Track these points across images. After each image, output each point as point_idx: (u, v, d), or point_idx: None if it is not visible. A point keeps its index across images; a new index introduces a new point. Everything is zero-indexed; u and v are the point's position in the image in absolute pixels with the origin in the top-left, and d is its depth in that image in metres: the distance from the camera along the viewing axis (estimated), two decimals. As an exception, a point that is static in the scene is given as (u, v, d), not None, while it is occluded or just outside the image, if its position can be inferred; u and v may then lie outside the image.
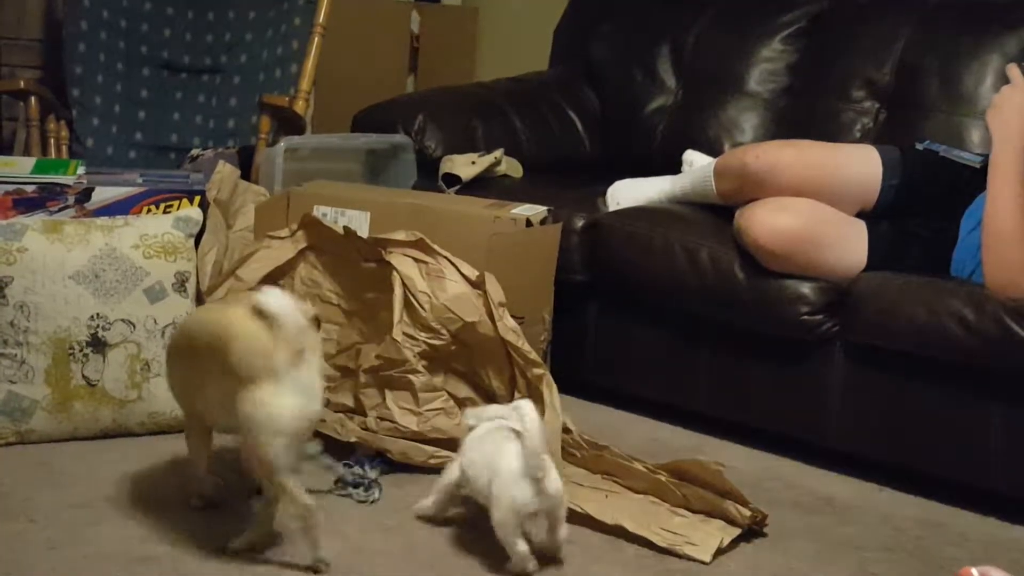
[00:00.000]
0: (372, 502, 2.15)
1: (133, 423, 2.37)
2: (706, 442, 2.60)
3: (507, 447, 1.88)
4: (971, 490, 2.31)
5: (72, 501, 2.07)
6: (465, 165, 3.03)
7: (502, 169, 3.11)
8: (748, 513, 2.10)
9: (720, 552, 2.03)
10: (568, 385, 2.49)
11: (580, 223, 2.80)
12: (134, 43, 3.56)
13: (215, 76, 3.60)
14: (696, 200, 2.75)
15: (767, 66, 3.22)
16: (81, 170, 2.78)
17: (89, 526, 1.98)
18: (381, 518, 2.10)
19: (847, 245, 2.46)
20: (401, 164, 3.15)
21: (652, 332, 2.74)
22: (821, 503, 2.32)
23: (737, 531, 2.08)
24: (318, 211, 2.59)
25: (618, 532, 2.07)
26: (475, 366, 2.35)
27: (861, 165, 2.55)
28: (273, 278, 2.47)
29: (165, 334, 2.37)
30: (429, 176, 3.07)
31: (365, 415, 2.33)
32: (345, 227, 2.44)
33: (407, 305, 2.32)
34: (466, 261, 2.36)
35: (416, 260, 2.36)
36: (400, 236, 2.39)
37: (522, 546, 1.86)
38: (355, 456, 2.27)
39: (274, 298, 1.80)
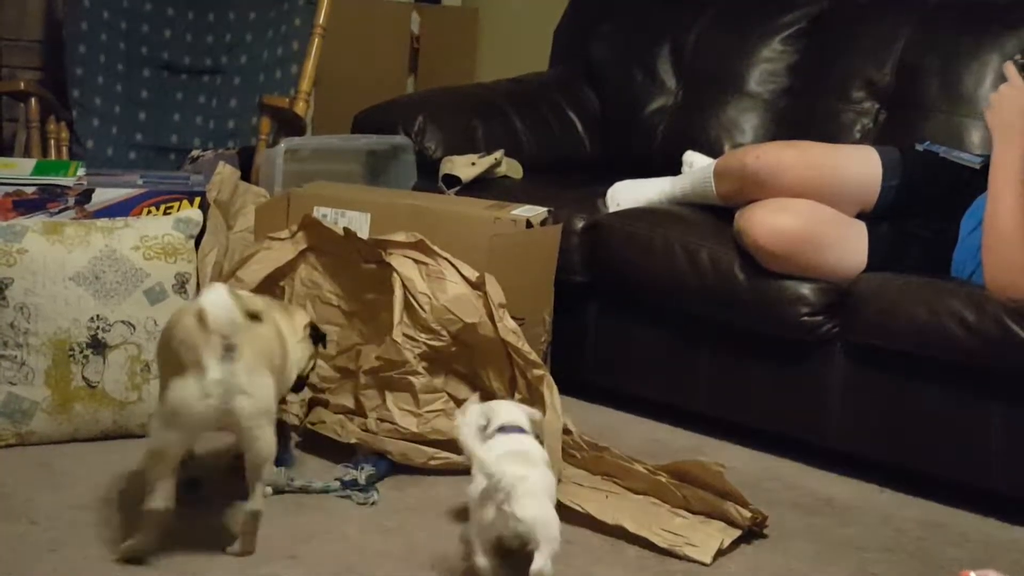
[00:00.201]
0: (372, 503, 2.15)
1: (133, 424, 2.37)
2: (706, 443, 2.60)
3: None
4: (971, 490, 2.31)
5: (73, 502, 2.07)
6: (465, 166, 3.03)
7: (502, 170, 3.10)
8: (748, 514, 2.10)
9: (720, 553, 2.03)
10: (568, 386, 2.49)
11: (580, 224, 2.80)
12: (134, 44, 3.56)
13: (215, 77, 3.60)
14: (696, 201, 2.75)
15: (767, 66, 3.21)
16: (81, 171, 2.78)
17: (90, 527, 1.98)
18: (381, 519, 2.10)
19: (847, 246, 2.46)
20: (401, 165, 3.15)
21: (652, 333, 2.74)
22: (821, 504, 2.32)
23: (737, 532, 2.08)
24: (318, 212, 2.59)
25: (619, 533, 2.07)
26: (475, 367, 2.35)
27: (861, 166, 2.55)
28: (273, 279, 2.48)
29: (165, 335, 2.38)
30: (429, 177, 3.07)
31: (365, 416, 2.33)
32: (345, 228, 2.45)
33: (407, 306, 2.32)
34: (466, 262, 2.36)
35: (416, 261, 2.36)
36: (400, 237, 2.39)
37: (482, 561, 1.81)
38: (356, 457, 2.27)
39: (210, 293, 1.83)
